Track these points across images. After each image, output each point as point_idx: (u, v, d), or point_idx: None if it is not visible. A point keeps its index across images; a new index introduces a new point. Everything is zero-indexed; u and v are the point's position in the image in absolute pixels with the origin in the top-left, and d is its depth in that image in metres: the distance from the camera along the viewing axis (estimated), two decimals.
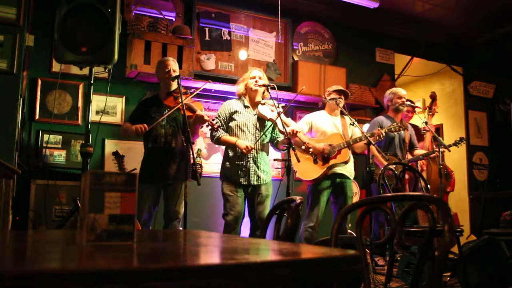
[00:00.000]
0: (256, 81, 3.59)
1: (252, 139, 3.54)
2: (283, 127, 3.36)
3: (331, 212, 4.04)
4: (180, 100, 3.21)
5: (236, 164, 3.49)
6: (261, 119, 3.60)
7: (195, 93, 3.43)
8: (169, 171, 3.35)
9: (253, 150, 3.47)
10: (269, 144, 3.72)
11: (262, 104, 3.63)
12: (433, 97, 4.92)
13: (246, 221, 3.63)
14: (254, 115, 3.60)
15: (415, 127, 5.03)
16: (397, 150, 4.38)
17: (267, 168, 3.61)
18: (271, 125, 3.62)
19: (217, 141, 3.58)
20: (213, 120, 3.49)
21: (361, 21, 5.43)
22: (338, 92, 4.10)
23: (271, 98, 3.49)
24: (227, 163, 3.57)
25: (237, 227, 3.49)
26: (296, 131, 3.48)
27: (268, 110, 3.58)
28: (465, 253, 3.17)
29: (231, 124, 3.58)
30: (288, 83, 5.01)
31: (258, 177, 3.50)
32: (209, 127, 3.41)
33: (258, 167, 3.51)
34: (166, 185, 3.39)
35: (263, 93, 3.62)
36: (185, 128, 3.16)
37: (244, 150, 3.42)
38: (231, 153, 3.56)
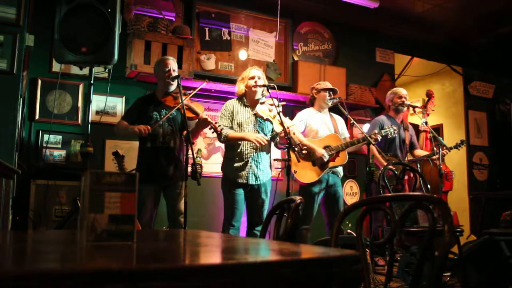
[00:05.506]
0: (255, 82, 3.57)
1: None
2: (283, 126, 3.34)
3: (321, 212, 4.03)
4: (180, 100, 3.19)
5: (236, 164, 3.49)
6: (261, 118, 3.59)
7: (193, 93, 3.42)
8: (168, 171, 3.33)
9: (262, 144, 3.43)
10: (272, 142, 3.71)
11: (262, 103, 3.62)
12: (429, 95, 4.90)
13: (243, 220, 3.62)
14: (254, 114, 3.60)
15: (415, 126, 5.02)
16: (397, 150, 4.37)
17: (266, 167, 3.59)
18: (272, 125, 3.61)
19: (225, 139, 3.51)
20: (215, 123, 3.45)
21: (361, 21, 5.43)
22: (328, 90, 4.04)
23: (270, 97, 3.48)
24: (227, 162, 3.57)
25: (236, 224, 3.48)
26: (289, 131, 3.40)
27: (266, 109, 3.58)
28: (465, 253, 3.16)
29: (233, 123, 3.57)
30: (288, 83, 5.01)
31: (257, 177, 3.49)
32: (212, 129, 3.38)
33: (257, 166, 3.50)
34: (166, 185, 3.38)
35: (262, 92, 3.61)
36: (185, 127, 3.13)
37: (254, 141, 3.40)
38: (230, 153, 3.56)
